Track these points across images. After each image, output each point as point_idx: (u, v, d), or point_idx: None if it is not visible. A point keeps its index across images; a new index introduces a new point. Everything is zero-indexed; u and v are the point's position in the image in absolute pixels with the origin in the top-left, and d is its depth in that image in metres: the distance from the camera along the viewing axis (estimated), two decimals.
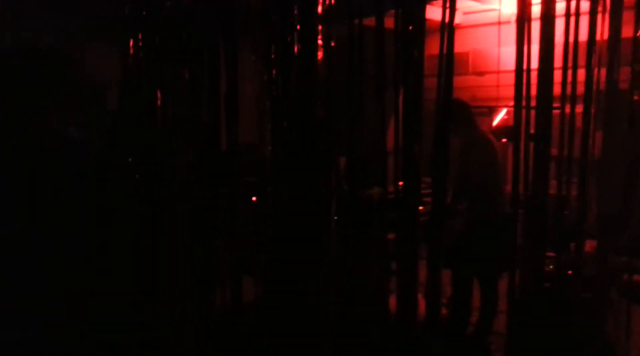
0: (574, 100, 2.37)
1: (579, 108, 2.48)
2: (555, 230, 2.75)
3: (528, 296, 2.53)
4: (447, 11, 1.78)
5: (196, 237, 2.20)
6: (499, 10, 3.45)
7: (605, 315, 2.85)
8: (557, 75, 2.24)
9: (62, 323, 1.84)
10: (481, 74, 5.25)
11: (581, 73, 2.34)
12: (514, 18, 2.17)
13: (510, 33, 2.37)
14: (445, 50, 1.78)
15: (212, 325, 2.24)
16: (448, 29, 1.76)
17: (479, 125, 3.77)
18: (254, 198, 2.64)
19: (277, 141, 2.06)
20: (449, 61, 1.78)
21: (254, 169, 2.25)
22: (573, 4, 2.19)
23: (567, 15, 2.11)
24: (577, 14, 2.20)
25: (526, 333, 2.53)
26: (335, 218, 2.27)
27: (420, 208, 2.04)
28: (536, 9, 2.12)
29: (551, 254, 2.70)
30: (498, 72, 3.29)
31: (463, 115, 3.67)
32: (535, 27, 2.15)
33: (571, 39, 2.26)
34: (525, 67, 2.06)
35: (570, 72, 2.30)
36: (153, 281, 2.13)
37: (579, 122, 2.55)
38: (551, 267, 2.91)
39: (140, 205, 2.09)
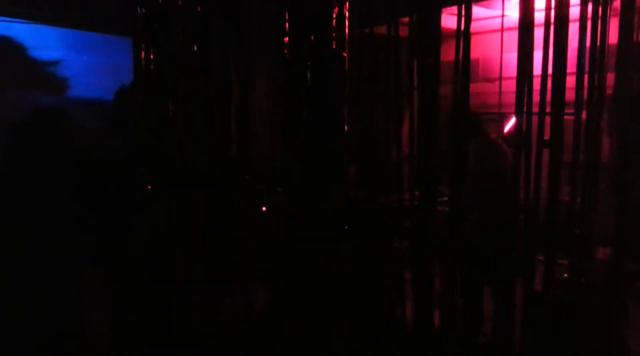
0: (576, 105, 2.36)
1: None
2: (567, 236, 2.73)
3: (540, 304, 2.51)
4: (463, 19, 1.78)
5: (206, 245, 2.19)
6: (508, 16, 3.44)
7: (619, 322, 2.82)
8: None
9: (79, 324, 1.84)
10: (491, 80, 5.23)
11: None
12: None
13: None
14: (460, 57, 1.77)
15: (224, 332, 2.22)
16: (464, 36, 1.76)
17: (489, 133, 3.75)
18: (263, 208, 2.63)
19: (289, 149, 2.05)
20: (464, 68, 1.77)
21: (264, 177, 2.24)
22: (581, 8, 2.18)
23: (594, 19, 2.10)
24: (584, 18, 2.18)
25: (538, 341, 2.51)
26: (346, 227, 2.25)
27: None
28: (539, 15, 2.11)
29: (564, 262, 2.68)
30: (508, 78, 3.28)
31: (471, 123, 3.65)
32: (539, 33, 2.14)
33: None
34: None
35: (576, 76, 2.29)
36: (165, 289, 2.12)
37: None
38: (564, 274, 2.88)
39: (151, 213, 2.08)
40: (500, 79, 4.04)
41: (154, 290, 2.14)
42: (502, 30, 3.51)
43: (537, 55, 2.21)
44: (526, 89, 2.06)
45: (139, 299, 2.10)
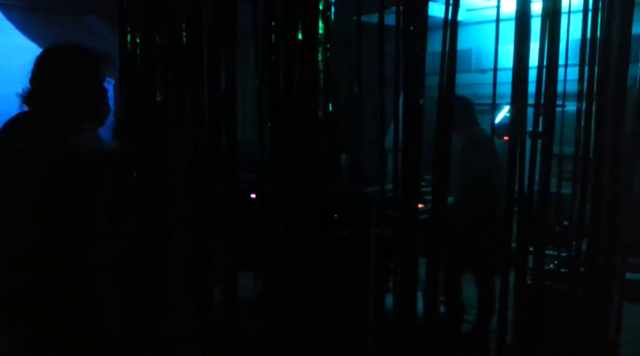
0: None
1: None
2: (556, 228, 2.74)
3: (528, 295, 2.52)
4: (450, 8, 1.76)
5: (195, 235, 2.18)
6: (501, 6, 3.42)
7: (605, 313, 2.84)
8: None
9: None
10: (483, 71, 5.24)
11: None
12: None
13: (513, 30, 2.33)
14: (447, 48, 1.76)
15: (212, 323, 2.22)
16: (451, 26, 1.74)
17: (480, 123, 3.76)
18: (253, 196, 2.62)
19: (277, 138, 2.04)
20: (451, 58, 1.76)
21: (253, 166, 2.23)
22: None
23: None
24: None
25: (526, 332, 2.53)
26: (335, 216, 2.25)
27: (421, 205, 2.02)
28: (536, 6, 2.10)
29: (552, 252, 2.69)
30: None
31: (465, 112, 3.65)
32: (536, 24, 2.13)
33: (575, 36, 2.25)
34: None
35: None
36: (152, 280, 2.12)
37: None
38: (552, 265, 2.90)
39: (139, 203, 2.06)
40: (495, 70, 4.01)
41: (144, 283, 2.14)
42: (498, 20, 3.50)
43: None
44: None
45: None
